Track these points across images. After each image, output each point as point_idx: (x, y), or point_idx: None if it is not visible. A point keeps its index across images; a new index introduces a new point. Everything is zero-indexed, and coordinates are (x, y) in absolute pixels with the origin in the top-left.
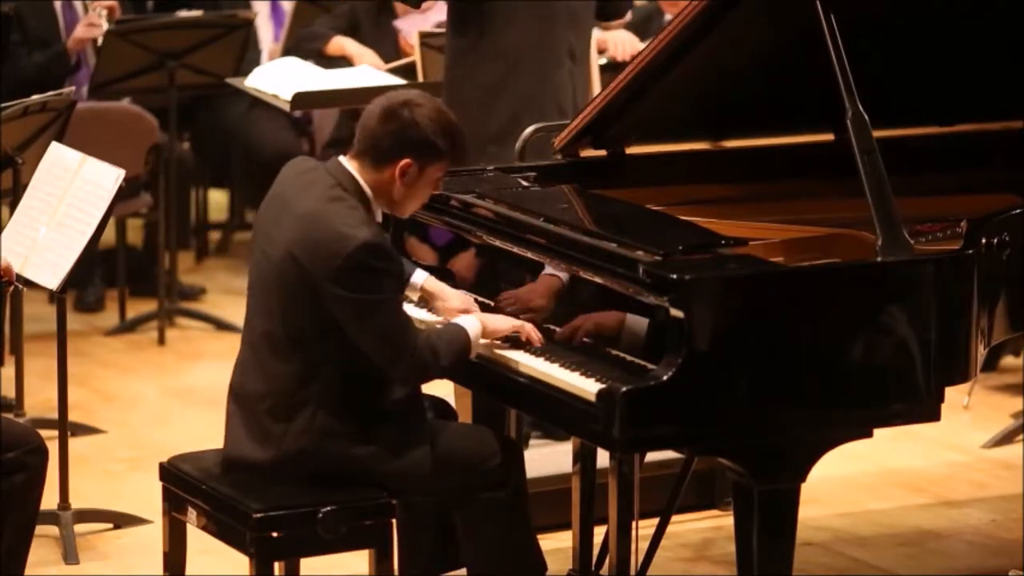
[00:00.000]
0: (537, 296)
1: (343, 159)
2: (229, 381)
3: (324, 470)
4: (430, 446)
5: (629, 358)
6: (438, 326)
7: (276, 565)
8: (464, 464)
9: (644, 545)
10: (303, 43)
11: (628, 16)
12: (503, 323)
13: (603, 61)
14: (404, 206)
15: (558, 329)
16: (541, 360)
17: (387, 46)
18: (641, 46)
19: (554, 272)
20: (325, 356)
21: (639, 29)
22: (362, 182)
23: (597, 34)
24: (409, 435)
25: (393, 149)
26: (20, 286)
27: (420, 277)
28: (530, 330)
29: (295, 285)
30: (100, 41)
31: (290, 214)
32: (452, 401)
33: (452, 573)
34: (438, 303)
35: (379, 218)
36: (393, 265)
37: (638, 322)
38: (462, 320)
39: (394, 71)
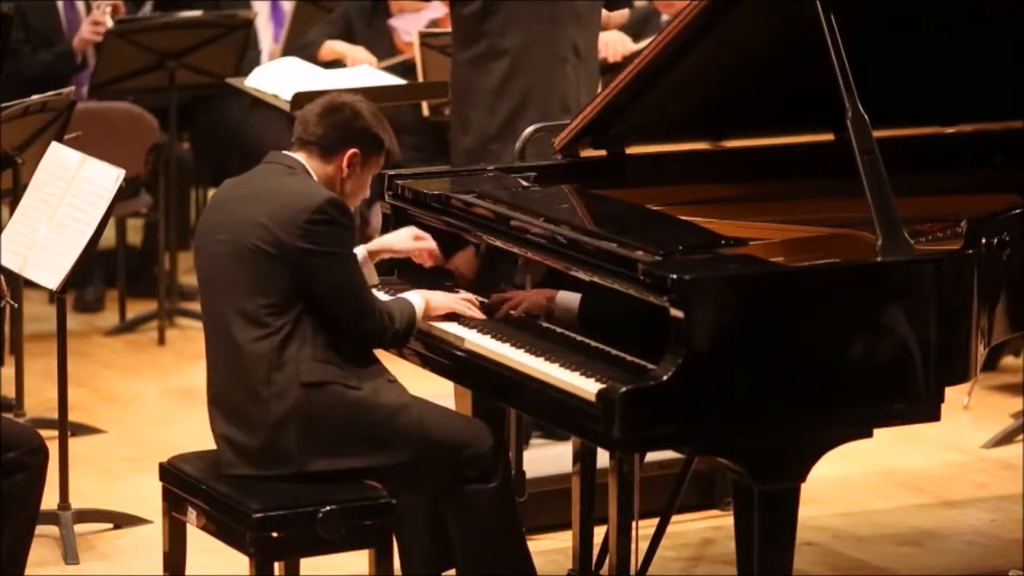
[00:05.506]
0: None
1: (287, 152)
2: (206, 396)
3: (313, 428)
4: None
5: (629, 358)
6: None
7: (276, 565)
8: (451, 444)
9: (644, 545)
10: (298, 53)
11: (627, 13)
12: (446, 301)
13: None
14: (350, 201)
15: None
16: (541, 360)
17: (382, 45)
18: (633, 47)
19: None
20: (299, 317)
21: (636, 31)
22: (311, 170)
23: None
24: (385, 376)
25: (341, 140)
26: (13, 304)
27: (360, 250)
28: (469, 310)
29: (265, 252)
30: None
31: (243, 199)
32: (452, 401)
33: (445, 573)
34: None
35: None
36: (353, 224)
37: (569, 298)
38: (407, 295)
39: (392, 70)
